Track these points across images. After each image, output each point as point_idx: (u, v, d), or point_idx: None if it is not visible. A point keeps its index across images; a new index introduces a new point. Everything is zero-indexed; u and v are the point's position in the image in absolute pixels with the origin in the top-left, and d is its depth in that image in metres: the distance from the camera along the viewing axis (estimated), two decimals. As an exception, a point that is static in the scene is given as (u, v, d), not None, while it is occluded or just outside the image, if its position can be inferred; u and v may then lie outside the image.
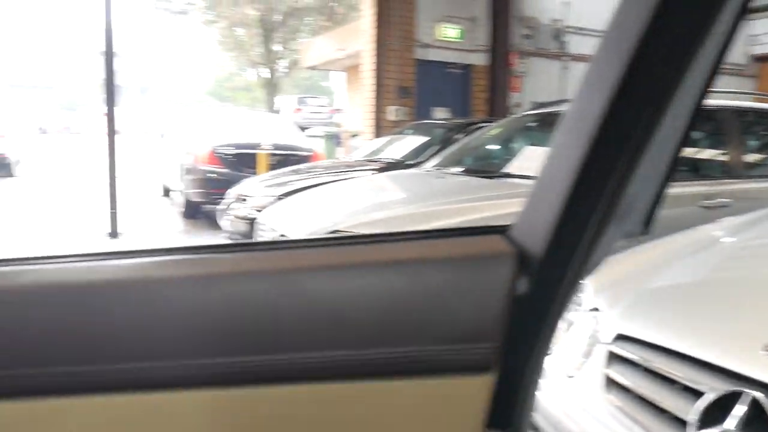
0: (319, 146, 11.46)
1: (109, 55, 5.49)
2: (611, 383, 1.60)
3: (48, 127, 29.87)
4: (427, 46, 9.48)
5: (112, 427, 0.64)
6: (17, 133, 15.22)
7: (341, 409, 0.68)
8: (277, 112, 21.26)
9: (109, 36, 5.35)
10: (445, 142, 5.95)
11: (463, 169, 4.57)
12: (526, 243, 0.69)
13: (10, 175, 13.50)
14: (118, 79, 6.23)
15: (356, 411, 0.69)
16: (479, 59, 9.92)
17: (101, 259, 0.68)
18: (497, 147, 5.10)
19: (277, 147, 8.33)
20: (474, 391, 0.69)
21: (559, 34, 10.24)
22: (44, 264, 0.67)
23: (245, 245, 0.88)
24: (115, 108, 5.88)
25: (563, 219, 0.64)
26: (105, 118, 6.39)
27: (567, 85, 10.02)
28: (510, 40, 9.89)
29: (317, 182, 5.15)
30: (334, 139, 12.86)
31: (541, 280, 0.68)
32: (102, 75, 5.98)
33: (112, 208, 6.77)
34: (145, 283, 0.65)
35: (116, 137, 5.61)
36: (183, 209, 8.83)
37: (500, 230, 0.73)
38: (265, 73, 23.62)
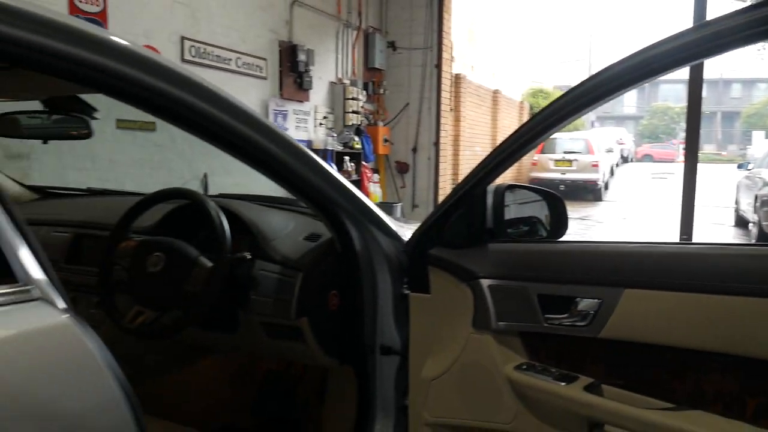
0: None
1: (695, 84, 5.84)
2: None
3: (629, 155, 31.63)
4: None
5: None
6: (605, 161, 16.77)
7: None
8: None
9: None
10: None
11: None
12: None
13: (599, 200, 15.10)
14: (703, 108, 6.37)
15: None
16: None
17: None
18: None
19: None
20: None
21: None
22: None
23: None
24: (697, 137, 6.22)
25: None
26: (685, 146, 6.70)
27: None
28: None
29: None
30: None
31: None
32: (686, 103, 6.27)
33: (683, 234, 7.32)
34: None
35: (697, 166, 6.03)
36: (755, 240, 8.77)
37: None
38: None
